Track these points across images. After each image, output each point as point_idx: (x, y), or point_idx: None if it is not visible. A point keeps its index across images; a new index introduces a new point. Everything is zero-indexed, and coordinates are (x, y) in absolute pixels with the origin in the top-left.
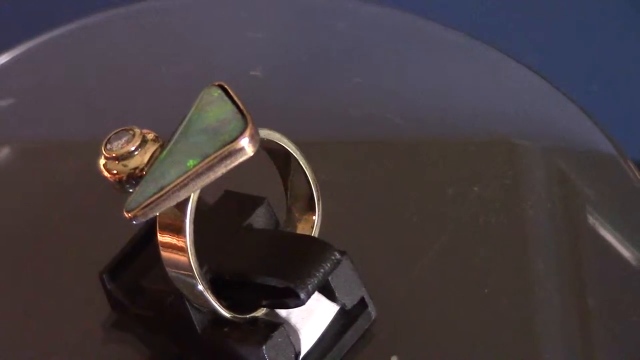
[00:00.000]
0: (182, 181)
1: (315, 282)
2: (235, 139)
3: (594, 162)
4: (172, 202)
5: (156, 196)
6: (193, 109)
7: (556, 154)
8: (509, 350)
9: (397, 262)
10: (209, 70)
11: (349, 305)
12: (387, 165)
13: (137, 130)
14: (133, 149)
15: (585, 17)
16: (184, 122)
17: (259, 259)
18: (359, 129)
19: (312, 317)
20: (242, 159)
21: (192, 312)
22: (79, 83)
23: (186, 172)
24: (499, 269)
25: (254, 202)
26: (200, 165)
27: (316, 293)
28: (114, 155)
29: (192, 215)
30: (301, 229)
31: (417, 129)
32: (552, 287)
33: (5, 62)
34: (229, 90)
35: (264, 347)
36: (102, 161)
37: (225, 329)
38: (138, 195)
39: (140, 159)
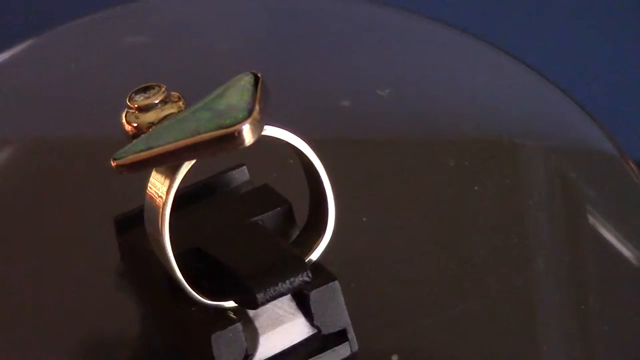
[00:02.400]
0: (167, 149)
1: (275, 291)
2: (232, 125)
3: (595, 162)
4: (156, 166)
5: (142, 155)
6: (219, 89)
7: (556, 153)
8: (509, 350)
9: (396, 261)
10: (208, 70)
11: (324, 331)
12: (387, 165)
13: (164, 87)
14: (155, 102)
15: (585, 17)
16: (206, 98)
17: (241, 253)
18: (359, 128)
19: (278, 328)
20: (234, 146)
21: (183, 281)
22: (80, 81)
23: (174, 142)
24: (499, 269)
25: (276, 202)
26: (189, 140)
27: (293, 307)
28: (136, 106)
29: (176, 183)
30: (311, 243)
31: (417, 129)
32: (552, 287)
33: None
34: (260, 82)
35: (212, 336)
36: (124, 112)
37: (193, 309)
38: (129, 148)
39: (156, 115)
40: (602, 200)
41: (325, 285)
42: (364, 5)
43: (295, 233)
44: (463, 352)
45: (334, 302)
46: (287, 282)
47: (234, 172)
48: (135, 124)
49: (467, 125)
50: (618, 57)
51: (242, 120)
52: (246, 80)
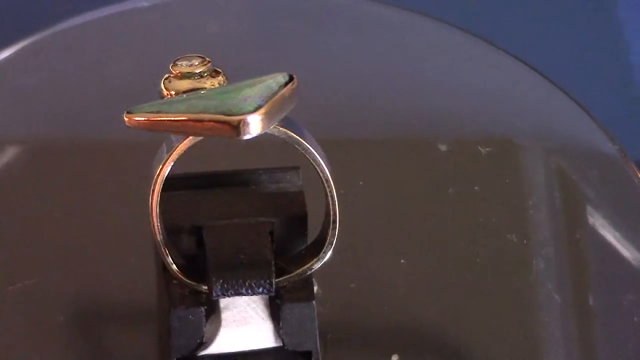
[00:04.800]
0: (171, 118)
1: (233, 289)
2: (233, 114)
3: (595, 162)
4: (160, 130)
5: (150, 115)
6: (251, 80)
7: (556, 154)
8: (509, 351)
9: (396, 261)
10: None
11: (289, 347)
12: (387, 164)
13: (208, 60)
14: (195, 72)
15: (585, 17)
16: (234, 84)
17: (226, 244)
18: (358, 128)
19: (243, 327)
20: (230, 135)
21: (164, 250)
22: (80, 81)
23: (181, 113)
24: (499, 269)
25: (293, 210)
26: (192, 115)
27: (266, 313)
28: (178, 72)
29: (175, 154)
30: (310, 258)
31: (417, 129)
32: (552, 287)
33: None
34: (291, 83)
35: (172, 311)
36: (164, 77)
37: (174, 281)
38: (144, 106)
39: (191, 85)
40: (602, 200)
41: (299, 302)
42: (364, 5)
43: (304, 244)
44: (463, 352)
45: (304, 321)
46: (247, 283)
47: (285, 172)
48: (171, 90)
49: (467, 125)
50: (618, 58)
51: (244, 113)
52: (277, 78)
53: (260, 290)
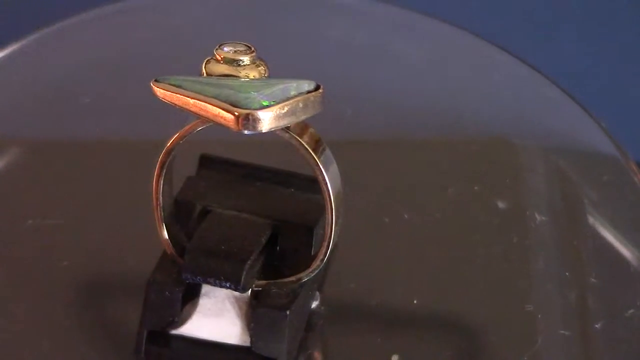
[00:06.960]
0: (185, 95)
1: (202, 276)
2: (239, 107)
3: (595, 162)
4: (174, 105)
5: (171, 88)
6: (276, 79)
7: (556, 154)
8: (509, 351)
9: (395, 261)
10: None
11: (255, 349)
12: (387, 165)
13: (253, 49)
14: (237, 59)
15: (585, 17)
16: (258, 80)
17: (220, 234)
18: (358, 129)
19: (217, 318)
20: (230, 126)
21: (164, 224)
22: (79, 81)
23: (193, 93)
24: (499, 269)
25: (304, 219)
26: (203, 98)
27: (242, 311)
28: (221, 56)
29: (184, 134)
30: (304, 266)
31: (417, 129)
32: (552, 287)
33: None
34: (314, 92)
35: (151, 286)
36: (206, 59)
37: (170, 258)
38: (171, 79)
39: (227, 70)
40: (602, 200)
41: (272, 309)
42: (362, 4)
43: (308, 254)
44: (463, 352)
45: (275, 328)
46: (216, 274)
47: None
48: (207, 72)
49: (467, 125)
50: (618, 57)
51: (249, 108)
52: (301, 85)
53: (227, 284)
